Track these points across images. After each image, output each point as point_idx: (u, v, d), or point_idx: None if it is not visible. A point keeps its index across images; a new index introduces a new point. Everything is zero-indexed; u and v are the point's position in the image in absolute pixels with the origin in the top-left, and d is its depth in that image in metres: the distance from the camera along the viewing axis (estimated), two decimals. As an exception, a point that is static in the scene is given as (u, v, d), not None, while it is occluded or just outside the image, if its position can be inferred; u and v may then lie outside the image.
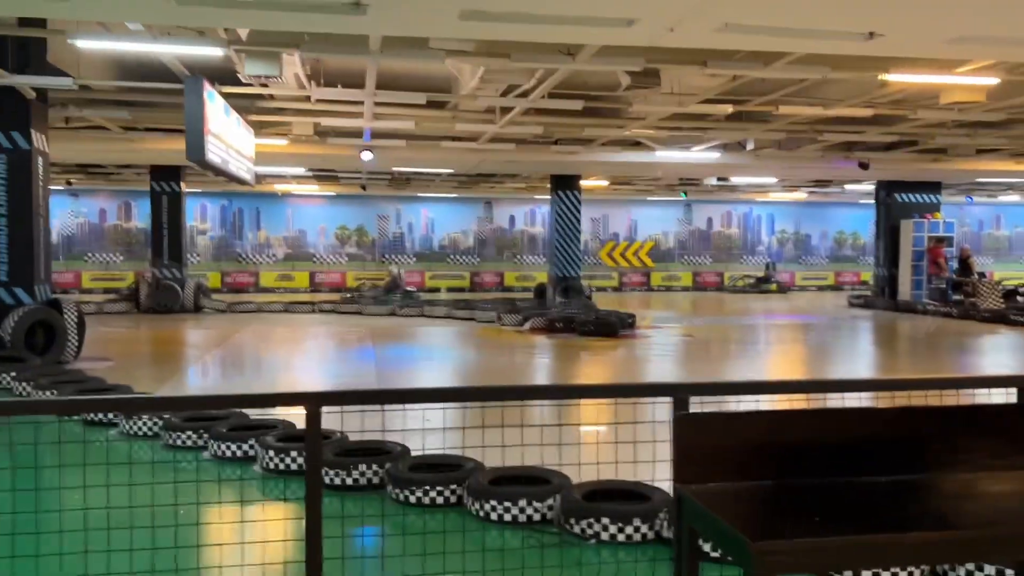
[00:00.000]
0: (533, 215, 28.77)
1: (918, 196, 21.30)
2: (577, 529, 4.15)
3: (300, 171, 19.79)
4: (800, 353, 13.12)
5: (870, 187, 23.62)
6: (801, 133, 13.85)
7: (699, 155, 15.64)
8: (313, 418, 2.60)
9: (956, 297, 19.56)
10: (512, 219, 28.75)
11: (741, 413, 2.46)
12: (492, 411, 3.15)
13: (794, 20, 5.83)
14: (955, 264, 20.29)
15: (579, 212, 20.20)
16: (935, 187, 21.40)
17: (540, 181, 22.53)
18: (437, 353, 12.69)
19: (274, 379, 10.05)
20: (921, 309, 19.20)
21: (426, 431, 4.44)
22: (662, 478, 2.74)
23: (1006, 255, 30.80)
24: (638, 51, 7.98)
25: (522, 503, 4.37)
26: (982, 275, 19.43)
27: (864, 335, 15.97)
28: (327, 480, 4.83)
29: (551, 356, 12.31)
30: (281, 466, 5.30)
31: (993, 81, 8.94)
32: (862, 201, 28.90)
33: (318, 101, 11.34)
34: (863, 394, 2.91)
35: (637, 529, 4.06)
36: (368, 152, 15.18)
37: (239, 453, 5.65)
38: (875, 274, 22.39)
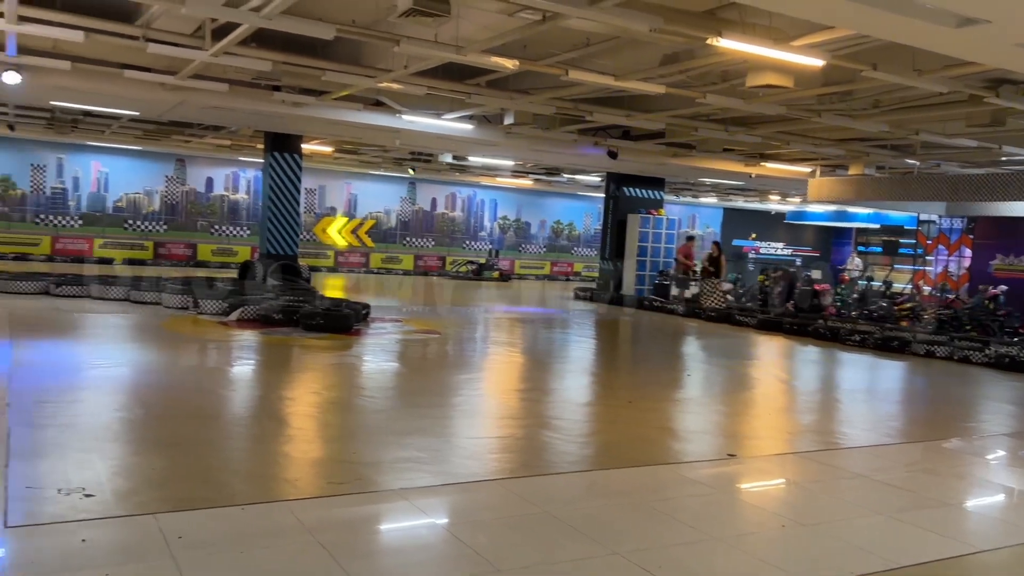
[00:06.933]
0: (236, 179, 24.80)
1: (644, 192, 21.29)
2: None
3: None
4: (563, 354, 11.60)
5: (595, 179, 23.36)
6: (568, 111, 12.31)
7: (451, 124, 13.52)
8: None
9: (674, 293, 19.75)
10: (210, 182, 24.53)
11: None
12: None
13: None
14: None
15: (299, 180, 17.17)
16: (660, 183, 21.55)
17: (249, 140, 18.98)
18: (99, 356, 9.17)
19: None
20: (648, 305, 19.04)
21: None
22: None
23: (699, 252, 32.84)
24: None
25: None
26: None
27: (621, 333, 15.03)
28: None
29: (271, 366, 9.43)
30: None
31: (817, 63, 7.89)
32: (580, 193, 29.02)
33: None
34: None
35: None
36: (13, 73, 10.94)
37: None
38: (601, 268, 22.11)
